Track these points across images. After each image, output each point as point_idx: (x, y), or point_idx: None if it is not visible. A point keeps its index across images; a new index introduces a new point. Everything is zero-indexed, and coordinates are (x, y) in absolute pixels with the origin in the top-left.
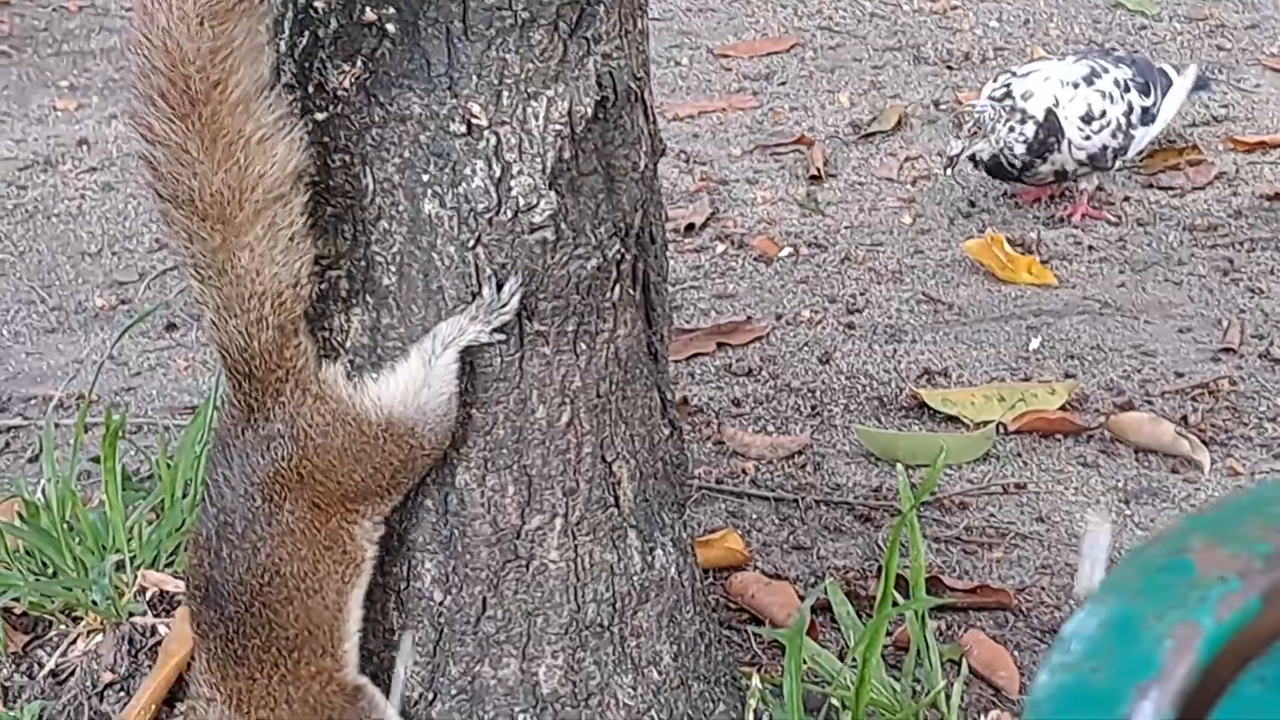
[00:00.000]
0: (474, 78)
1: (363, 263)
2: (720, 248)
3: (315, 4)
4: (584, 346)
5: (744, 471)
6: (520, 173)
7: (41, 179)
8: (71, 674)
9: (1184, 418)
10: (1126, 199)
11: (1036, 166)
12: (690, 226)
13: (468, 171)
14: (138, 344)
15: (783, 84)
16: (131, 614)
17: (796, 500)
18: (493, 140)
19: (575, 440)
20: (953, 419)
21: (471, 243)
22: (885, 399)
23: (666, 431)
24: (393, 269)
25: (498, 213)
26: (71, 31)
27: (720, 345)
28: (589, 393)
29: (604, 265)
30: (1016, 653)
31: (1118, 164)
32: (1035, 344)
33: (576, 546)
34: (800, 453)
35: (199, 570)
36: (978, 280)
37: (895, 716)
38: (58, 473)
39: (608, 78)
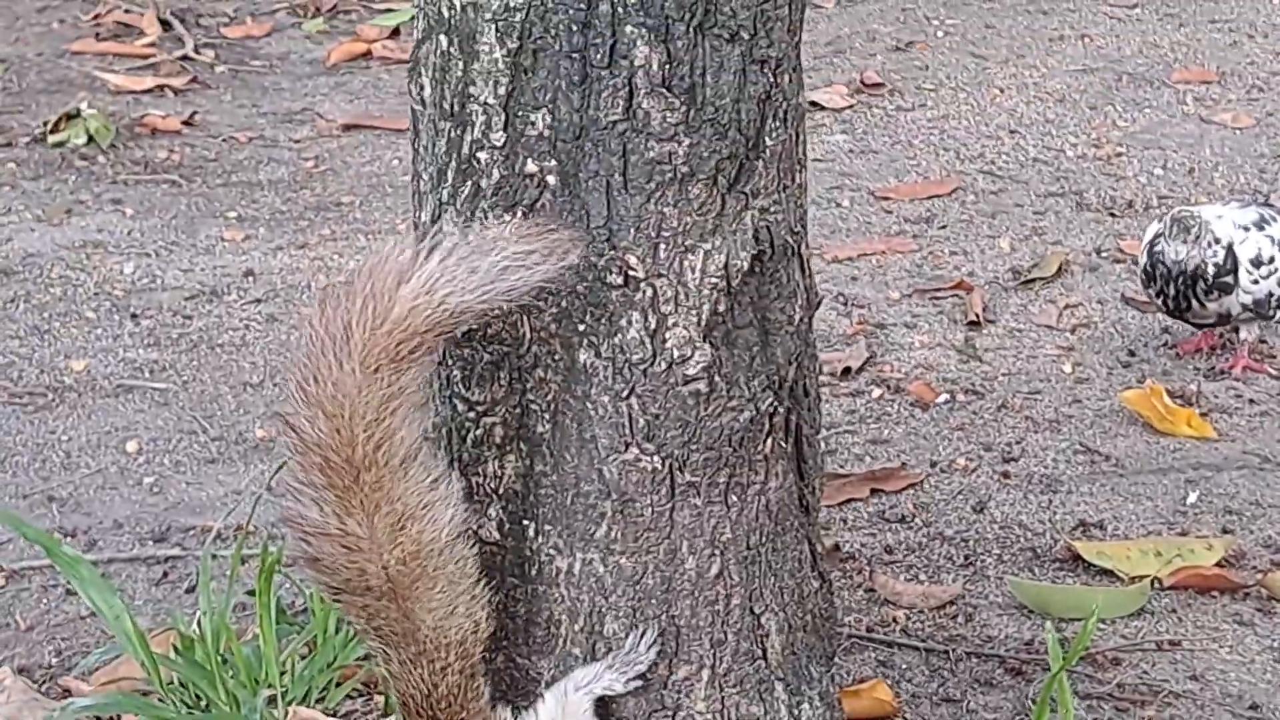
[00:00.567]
0: (632, 230)
1: (518, 410)
2: (876, 392)
3: (479, 155)
4: (735, 499)
5: (894, 620)
6: (675, 325)
7: (207, 309)
8: None
9: None
10: None
11: (1206, 303)
12: (846, 370)
13: (623, 323)
14: None
15: (943, 228)
16: None
17: (947, 652)
18: (649, 292)
19: (724, 592)
20: (1107, 572)
21: (626, 393)
22: (1039, 550)
23: (816, 584)
24: (547, 417)
25: (652, 364)
26: (240, 163)
27: (874, 491)
28: (739, 544)
29: (757, 418)
30: None
31: (1278, 315)
32: (1193, 498)
33: (723, 698)
34: (952, 603)
35: None
36: (1136, 432)
37: None
38: (213, 605)
39: (765, 232)
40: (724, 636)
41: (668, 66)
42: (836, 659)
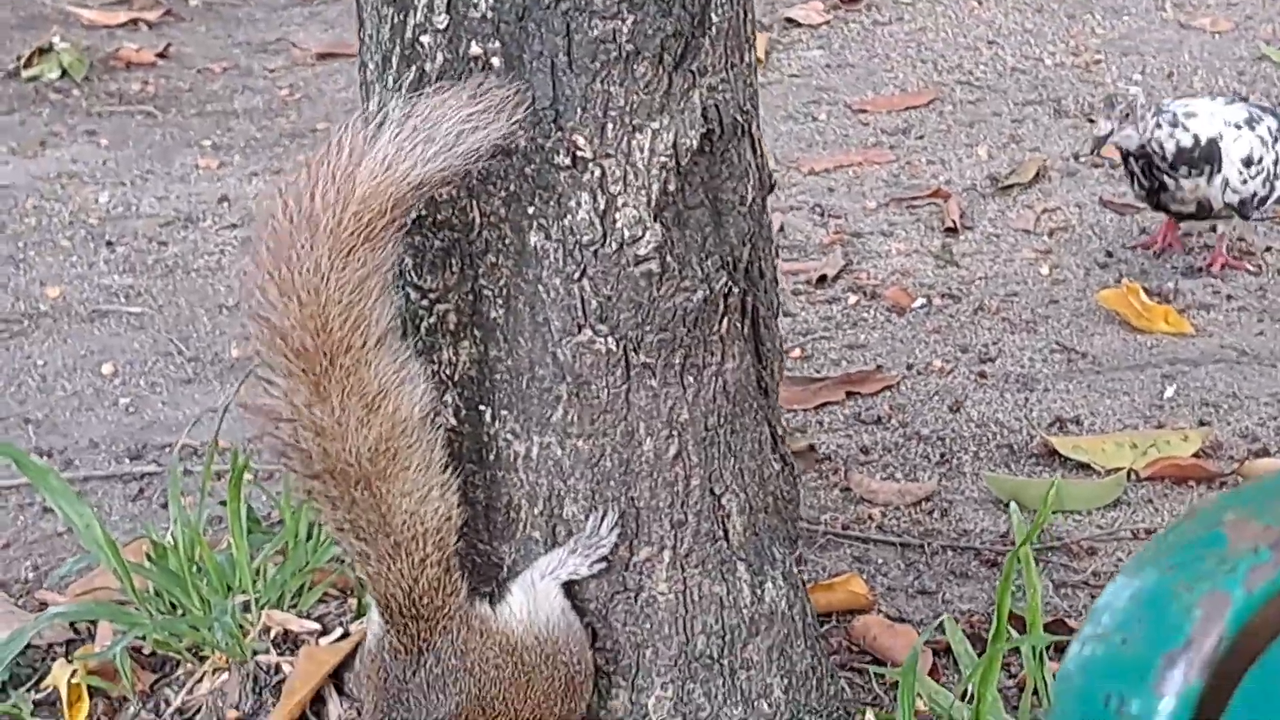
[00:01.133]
0: (579, 110)
1: (470, 296)
2: (852, 299)
3: (422, 40)
4: (691, 380)
5: (870, 517)
6: (625, 205)
7: (182, 235)
8: (197, 712)
9: None
10: (1268, 249)
11: (1180, 183)
12: (823, 278)
13: (573, 204)
14: None
15: (920, 138)
16: (256, 653)
17: (922, 545)
18: (597, 172)
19: (683, 473)
20: (1084, 466)
21: (577, 275)
22: (1016, 447)
23: (777, 467)
24: (500, 302)
25: (603, 245)
26: (215, 93)
27: (850, 394)
28: (697, 426)
29: (711, 298)
30: None
31: (1257, 213)
32: (1170, 392)
33: (685, 579)
34: (928, 499)
35: None
36: (1113, 330)
37: None
38: (185, 515)
39: (713, 111)
40: (684, 518)
41: None
42: (799, 544)
